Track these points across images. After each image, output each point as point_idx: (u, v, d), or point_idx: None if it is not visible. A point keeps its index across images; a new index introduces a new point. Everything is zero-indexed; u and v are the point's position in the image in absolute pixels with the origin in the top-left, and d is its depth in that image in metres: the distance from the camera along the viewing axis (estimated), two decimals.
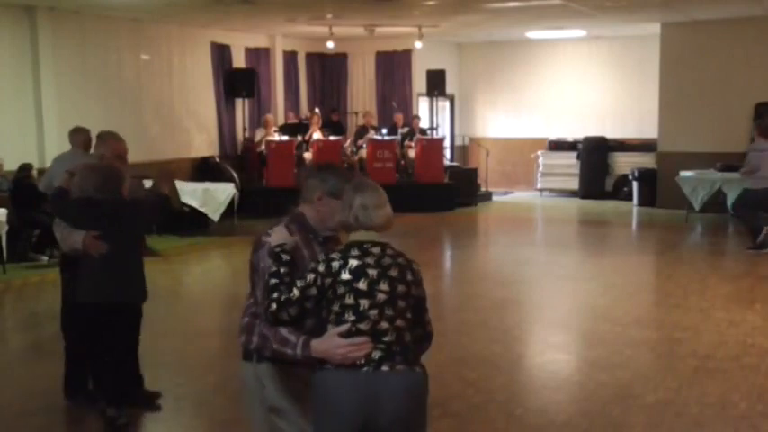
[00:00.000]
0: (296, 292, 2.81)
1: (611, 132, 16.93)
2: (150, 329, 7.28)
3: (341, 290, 2.80)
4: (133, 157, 13.97)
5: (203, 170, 14.26)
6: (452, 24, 14.69)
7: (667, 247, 11.25)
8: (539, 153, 17.45)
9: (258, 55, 15.96)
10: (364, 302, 2.79)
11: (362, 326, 2.79)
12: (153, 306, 8.21)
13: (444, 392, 5.48)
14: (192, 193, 11.92)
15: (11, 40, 11.30)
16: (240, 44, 15.50)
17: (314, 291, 2.82)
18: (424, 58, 16.82)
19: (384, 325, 2.81)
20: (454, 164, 17.14)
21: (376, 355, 2.80)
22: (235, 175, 13.77)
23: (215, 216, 12.13)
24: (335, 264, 2.83)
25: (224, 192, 12.40)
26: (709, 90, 14.34)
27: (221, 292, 9.27)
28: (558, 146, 17.41)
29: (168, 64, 13.98)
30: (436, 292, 9.28)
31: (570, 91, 17.79)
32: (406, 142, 15.58)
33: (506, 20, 14.31)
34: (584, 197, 16.65)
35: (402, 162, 15.47)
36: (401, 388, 2.81)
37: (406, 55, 17.13)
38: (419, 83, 16.82)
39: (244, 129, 15.26)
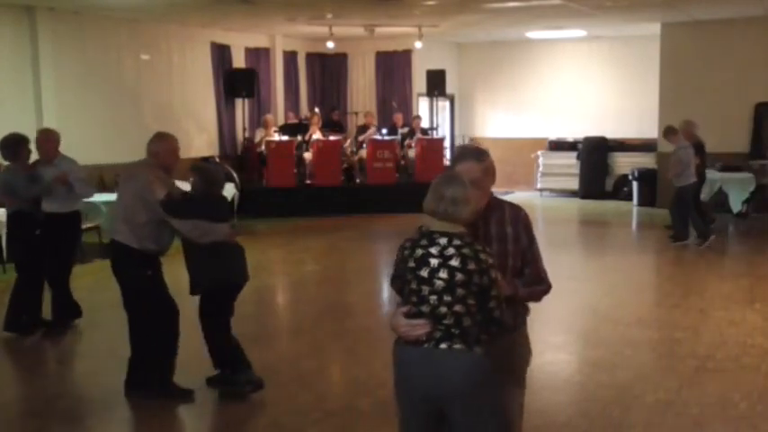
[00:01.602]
0: (393, 270, 3.26)
1: (611, 132, 16.92)
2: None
3: (408, 275, 3.11)
4: (133, 156, 13.98)
5: None
6: (452, 24, 14.68)
7: (667, 247, 11.25)
8: (539, 153, 17.45)
9: (258, 55, 15.96)
10: (425, 288, 3.05)
11: (424, 308, 3.06)
12: None
13: None
14: None
15: (11, 39, 11.30)
16: (240, 44, 15.50)
17: (397, 272, 3.22)
18: (423, 58, 16.82)
19: (443, 309, 3.03)
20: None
21: (437, 335, 3.04)
22: (235, 175, 13.76)
23: None
24: (406, 252, 3.15)
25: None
26: (709, 90, 14.33)
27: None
28: (558, 146, 17.41)
29: (168, 64, 13.98)
30: None
31: (570, 91, 17.78)
32: (406, 142, 15.58)
33: (506, 20, 14.30)
34: (584, 197, 16.65)
35: (402, 162, 15.47)
36: (456, 366, 3.02)
37: (406, 55, 17.13)
38: (419, 83, 16.82)
39: (244, 129, 15.26)
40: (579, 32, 16.41)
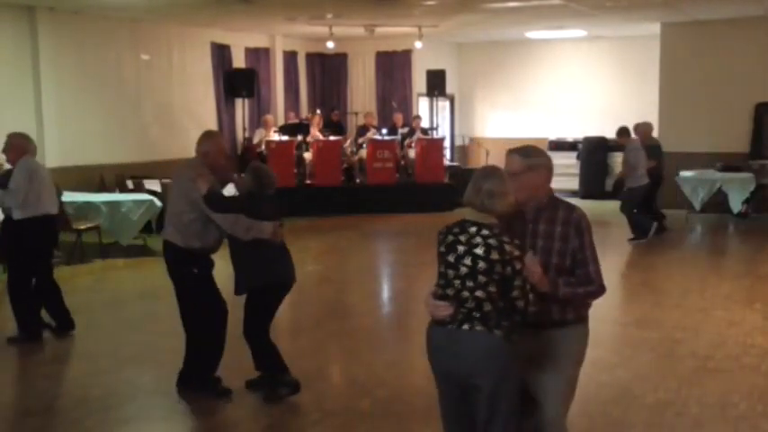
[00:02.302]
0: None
1: (612, 132, 16.86)
2: (150, 329, 7.32)
3: (439, 259, 3.36)
4: (133, 157, 14.08)
5: None
6: (452, 24, 14.68)
7: (667, 247, 11.25)
8: None
9: (258, 55, 15.96)
10: (451, 273, 3.30)
11: (449, 291, 3.30)
12: (153, 306, 8.26)
13: None
14: None
15: (11, 39, 11.30)
16: (240, 44, 15.51)
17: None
18: (423, 58, 16.82)
19: (465, 294, 3.25)
20: (454, 164, 17.14)
21: (460, 316, 3.26)
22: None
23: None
24: (441, 237, 3.38)
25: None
26: (709, 90, 14.33)
27: (221, 292, 9.24)
28: (558, 146, 17.39)
29: (168, 64, 13.98)
30: None
31: (570, 91, 17.79)
32: (406, 142, 15.58)
33: (506, 20, 14.30)
34: (584, 197, 16.62)
35: (402, 162, 15.47)
36: (474, 346, 3.24)
37: (406, 55, 17.13)
38: (419, 83, 16.82)
39: (244, 129, 15.26)
40: (579, 32, 16.41)
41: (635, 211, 11.42)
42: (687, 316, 7.44)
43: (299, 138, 14.92)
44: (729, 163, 13.47)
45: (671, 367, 6.03)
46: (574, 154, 16.92)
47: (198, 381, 5.47)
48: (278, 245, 5.33)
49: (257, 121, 15.57)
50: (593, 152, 16.69)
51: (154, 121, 13.76)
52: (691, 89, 14.48)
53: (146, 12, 12.43)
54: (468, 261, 3.23)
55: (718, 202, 13.05)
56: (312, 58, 17.58)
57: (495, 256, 3.20)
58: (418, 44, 15.60)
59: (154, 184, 11.84)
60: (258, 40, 15.96)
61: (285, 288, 5.43)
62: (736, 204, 13.10)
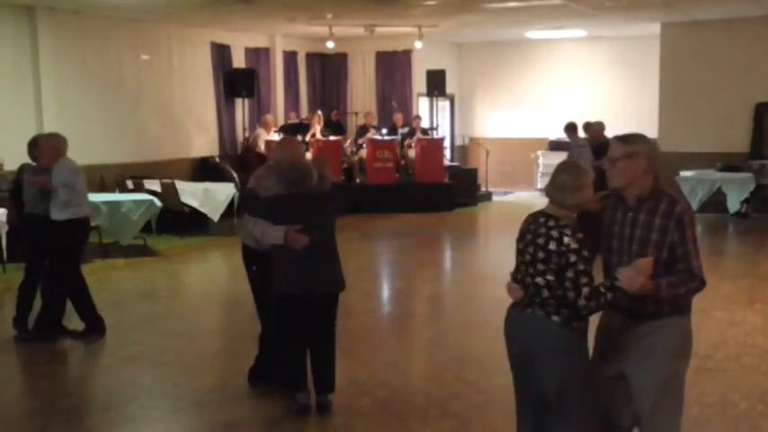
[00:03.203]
0: None
1: (611, 132, 16.84)
2: (150, 329, 7.32)
3: (516, 245, 3.58)
4: (133, 157, 14.07)
5: (203, 170, 14.26)
6: (452, 24, 14.68)
7: None
8: (539, 153, 17.45)
9: (258, 55, 15.96)
10: (518, 259, 3.53)
11: (518, 276, 3.53)
12: (153, 306, 8.27)
13: (444, 392, 5.49)
14: (191, 193, 11.92)
15: (11, 39, 11.30)
16: (240, 44, 15.51)
17: None
18: (423, 58, 16.82)
19: (528, 279, 3.45)
20: (454, 164, 17.14)
21: (525, 300, 3.47)
22: (235, 175, 13.76)
23: (215, 216, 12.12)
24: (522, 225, 3.58)
25: (224, 192, 12.39)
26: (709, 90, 14.34)
27: (221, 292, 9.27)
28: (558, 146, 17.36)
29: (168, 64, 13.98)
30: (436, 291, 9.29)
31: (570, 91, 17.78)
32: (406, 142, 15.58)
33: (506, 20, 14.30)
34: None
35: (402, 162, 15.47)
36: (534, 328, 3.44)
37: (406, 55, 17.13)
38: (419, 83, 16.82)
39: (244, 129, 15.26)
40: (579, 32, 16.41)
41: None
42: None
43: (300, 138, 14.92)
44: (729, 163, 13.47)
45: None
46: None
47: (276, 376, 5.37)
48: (308, 252, 4.81)
49: (257, 120, 15.57)
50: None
51: (154, 121, 13.76)
52: (691, 89, 14.48)
53: (146, 12, 12.43)
54: (531, 249, 3.42)
55: (717, 201, 13.05)
56: (312, 58, 17.58)
57: (552, 246, 3.35)
58: (418, 44, 15.61)
59: (154, 184, 11.84)
60: (258, 40, 15.96)
61: (297, 301, 4.92)
62: (734, 204, 13.11)
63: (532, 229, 3.45)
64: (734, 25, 13.98)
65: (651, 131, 15.38)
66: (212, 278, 10.21)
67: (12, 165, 10.56)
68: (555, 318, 3.39)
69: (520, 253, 3.51)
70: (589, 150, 11.18)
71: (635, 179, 3.41)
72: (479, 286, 9.32)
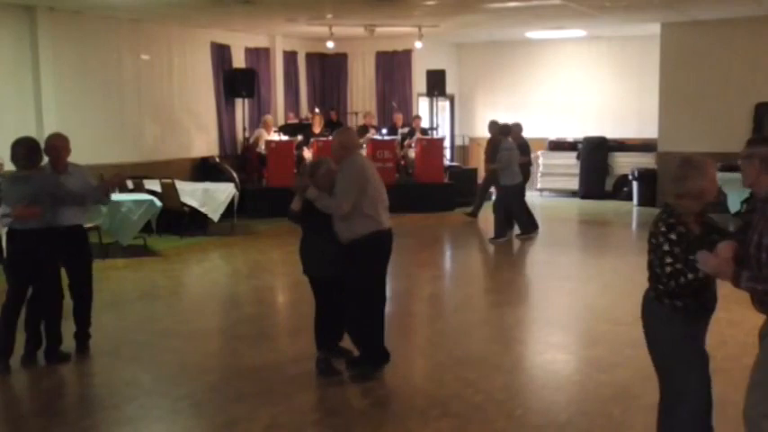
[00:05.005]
0: None
1: (611, 132, 16.93)
2: (150, 329, 7.32)
3: None
4: (133, 157, 14.06)
5: (203, 170, 14.26)
6: (452, 24, 14.69)
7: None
8: (539, 153, 17.44)
9: (258, 55, 15.97)
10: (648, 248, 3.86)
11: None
12: (153, 306, 8.27)
13: (444, 392, 5.49)
14: (191, 193, 11.92)
15: (11, 40, 11.31)
16: (240, 44, 15.51)
17: None
18: (424, 58, 16.82)
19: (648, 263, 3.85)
20: (454, 164, 17.14)
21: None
22: (235, 175, 13.77)
23: (215, 216, 12.12)
24: None
25: (224, 192, 12.39)
26: (709, 90, 14.34)
27: (221, 292, 9.27)
28: (557, 146, 17.42)
29: (168, 64, 13.98)
30: (436, 291, 9.29)
31: (570, 91, 17.79)
32: (406, 142, 15.58)
33: (506, 20, 14.30)
34: (584, 197, 16.65)
35: (402, 162, 15.46)
36: (645, 309, 3.99)
37: (406, 55, 17.13)
38: (419, 83, 16.82)
39: (244, 129, 15.26)
40: (579, 32, 16.42)
41: (511, 210, 11.93)
42: None
43: (300, 138, 14.92)
44: (729, 163, 13.45)
45: None
46: (574, 154, 16.93)
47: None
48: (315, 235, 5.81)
49: (257, 120, 15.57)
50: (593, 152, 16.70)
51: (154, 121, 13.77)
52: (691, 89, 14.49)
53: (146, 12, 12.43)
54: (651, 239, 3.78)
55: (717, 202, 13.03)
56: (312, 58, 17.58)
57: (652, 228, 3.76)
58: (418, 44, 15.61)
59: (154, 184, 11.84)
60: (258, 40, 15.97)
61: (311, 278, 5.85)
62: (734, 204, 13.09)
63: (654, 223, 3.79)
64: (734, 25, 13.99)
65: (651, 131, 15.43)
66: (212, 278, 10.21)
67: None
68: (651, 293, 3.86)
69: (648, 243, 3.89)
70: (518, 151, 11.84)
71: (753, 181, 3.60)
72: (479, 286, 9.32)
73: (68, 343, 6.48)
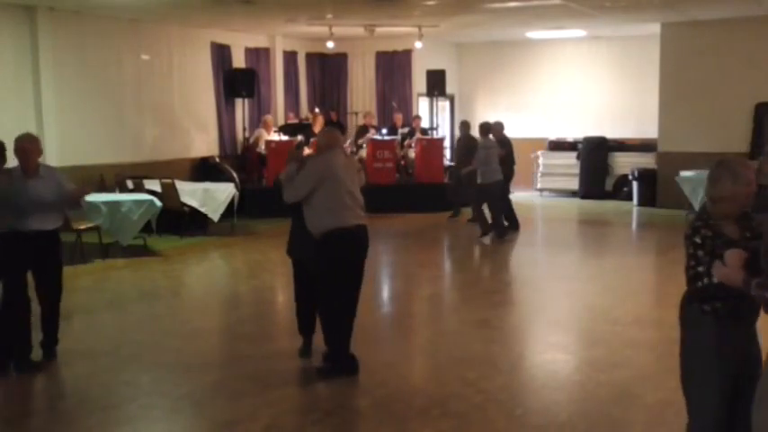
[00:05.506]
0: None
1: (611, 132, 16.92)
2: (150, 329, 7.32)
3: None
4: (133, 157, 14.06)
5: (203, 170, 14.26)
6: (452, 24, 14.68)
7: (667, 247, 11.25)
8: (539, 153, 17.45)
9: (258, 55, 15.97)
10: None
11: None
12: (153, 306, 8.27)
13: (444, 392, 5.49)
14: (191, 193, 11.92)
15: (11, 40, 11.30)
16: (240, 44, 15.51)
17: None
18: (424, 58, 16.82)
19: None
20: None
21: None
22: (235, 175, 13.77)
23: (215, 216, 12.11)
24: None
25: (224, 192, 12.39)
26: (709, 90, 14.34)
27: (221, 292, 9.27)
28: (558, 146, 17.41)
29: (168, 64, 13.98)
30: (436, 292, 9.29)
31: (570, 91, 17.79)
32: (406, 142, 15.58)
33: (506, 20, 14.30)
34: (584, 197, 16.65)
35: (402, 162, 15.46)
36: (679, 310, 3.95)
37: (406, 55, 17.13)
38: (419, 83, 16.82)
39: (244, 129, 15.26)
40: (579, 32, 16.41)
41: (492, 207, 12.00)
42: None
43: (301, 138, 14.91)
44: None
45: (671, 367, 5.99)
46: (574, 154, 16.93)
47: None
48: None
49: (257, 120, 15.57)
50: (593, 152, 16.70)
51: (154, 121, 13.77)
52: (691, 89, 14.49)
53: (146, 12, 12.43)
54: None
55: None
56: (312, 58, 17.58)
57: (687, 231, 3.72)
58: (418, 44, 15.60)
59: (154, 184, 11.84)
60: (258, 40, 15.97)
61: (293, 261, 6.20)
62: None
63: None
64: (734, 25, 13.98)
65: (651, 131, 15.43)
66: (212, 278, 10.21)
67: (11, 164, 10.58)
68: (695, 304, 3.79)
69: None
70: (497, 149, 11.93)
71: None
72: (479, 286, 9.32)
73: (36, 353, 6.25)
